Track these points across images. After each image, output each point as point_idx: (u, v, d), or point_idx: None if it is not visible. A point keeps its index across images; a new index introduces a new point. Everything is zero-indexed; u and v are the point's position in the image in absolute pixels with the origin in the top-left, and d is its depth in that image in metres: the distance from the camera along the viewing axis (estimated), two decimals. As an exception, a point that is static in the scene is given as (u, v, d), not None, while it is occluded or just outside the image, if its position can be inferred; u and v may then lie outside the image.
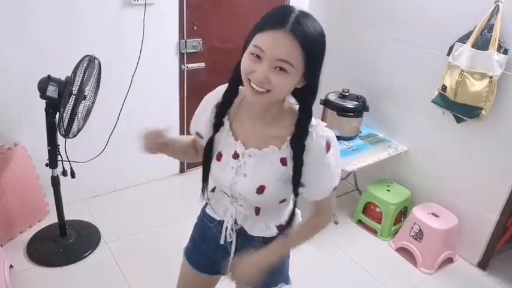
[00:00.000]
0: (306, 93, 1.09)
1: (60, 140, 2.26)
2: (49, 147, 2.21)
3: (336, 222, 2.94)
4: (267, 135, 1.14)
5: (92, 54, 2.12)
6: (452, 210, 2.64)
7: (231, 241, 1.32)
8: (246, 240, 1.30)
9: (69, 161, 2.35)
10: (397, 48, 2.81)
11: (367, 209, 2.90)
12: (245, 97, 1.16)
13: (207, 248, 1.39)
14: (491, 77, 2.21)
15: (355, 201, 3.04)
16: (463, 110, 2.37)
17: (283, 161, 1.13)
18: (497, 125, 2.35)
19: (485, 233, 2.54)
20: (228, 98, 1.17)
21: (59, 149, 2.26)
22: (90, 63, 2.06)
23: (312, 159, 1.11)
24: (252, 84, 1.01)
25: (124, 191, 3.06)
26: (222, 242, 1.33)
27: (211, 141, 1.21)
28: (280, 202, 1.23)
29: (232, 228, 1.30)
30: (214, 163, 1.22)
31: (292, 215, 1.30)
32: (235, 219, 1.28)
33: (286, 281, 1.44)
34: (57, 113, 2.08)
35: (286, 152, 1.12)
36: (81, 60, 2.08)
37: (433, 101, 2.52)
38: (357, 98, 2.87)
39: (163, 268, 2.39)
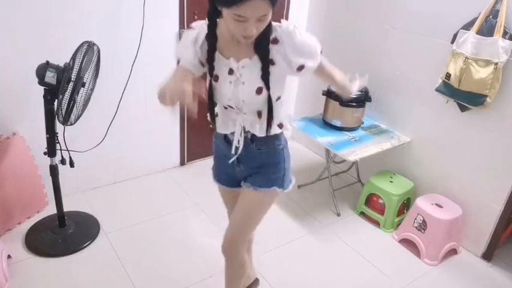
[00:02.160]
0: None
1: (59, 129, 2.23)
2: (47, 135, 2.19)
3: (338, 214, 2.91)
4: (250, 46, 1.34)
5: (90, 40, 2.09)
6: (456, 200, 2.61)
7: (239, 147, 1.52)
8: (246, 152, 1.52)
9: (68, 150, 2.32)
10: (399, 37, 2.78)
11: (370, 200, 2.86)
12: (222, 25, 1.35)
13: (224, 166, 1.62)
14: (496, 64, 2.18)
15: (358, 193, 3.02)
16: (468, 98, 2.34)
17: (272, 61, 1.36)
18: (502, 113, 2.32)
19: (489, 224, 2.51)
20: (212, 32, 1.35)
21: (57, 137, 2.23)
22: (89, 49, 2.03)
23: (293, 44, 1.34)
24: (244, 36, 1.25)
25: (123, 183, 3.03)
26: (233, 151, 1.52)
27: (211, 72, 1.41)
28: (277, 100, 1.44)
29: (241, 134, 1.49)
30: (212, 84, 1.42)
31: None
32: (244, 127, 1.48)
33: (281, 185, 1.60)
34: (56, 100, 2.05)
35: (272, 53, 1.34)
36: (80, 46, 2.05)
37: (436, 90, 2.49)
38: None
39: (162, 259, 2.37)
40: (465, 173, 2.57)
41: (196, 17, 2.85)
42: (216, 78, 1.41)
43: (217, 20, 1.34)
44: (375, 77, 2.98)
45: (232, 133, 1.52)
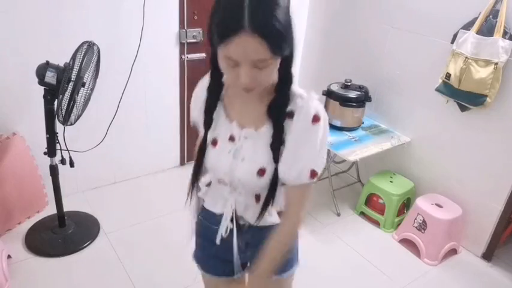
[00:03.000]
0: (284, 61, 1.00)
1: (59, 129, 2.23)
2: (47, 135, 2.19)
3: (338, 214, 2.91)
4: (259, 113, 1.07)
5: (90, 40, 2.09)
6: (456, 200, 2.61)
7: (232, 234, 1.22)
8: (255, 233, 1.22)
9: (68, 150, 2.32)
10: (399, 37, 2.78)
11: (370, 200, 2.86)
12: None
13: (216, 250, 1.28)
14: (496, 64, 2.18)
15: (358, 194, 3.02)
16: (468, 98, 2.34)
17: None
18: (502, 113, 2.32)
19: (489, 223, 2.51)
20: (213, 93, 1.11)
21: (57, 137, 2.23)
22: (89, 49, 2.03)
23: (297, 128, 1.03)
24: (241, 87, 0.97)
25: (123, 183, 3.03)
26: (218, 239, 1.24)
27: (205, 135, 1.15)
28: (282, 185, 1.13)
29: (232, 221, 1.20)
30: (209, 150, 1.15)
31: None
32: (235, 210, 1.19)
33: (297, 260, 1.38)
34: (56, 100, 2.05)
35: (285, 127, 1.05)
36: (80, 46, 2.05)
37: (436, 90, 2.49)
38: (360, 88, 2.84)
39: (162, 259, 2.37)
40: (465, 173, 2.57)
41: (196, 17, 2.85)
42: (215, 143, 1.14)
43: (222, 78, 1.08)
44: (375, 77, 2.98)
45: (221, 215, 1.22)
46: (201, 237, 1.35)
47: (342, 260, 2.52)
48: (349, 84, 2.85)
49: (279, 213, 1.21)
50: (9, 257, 2.22)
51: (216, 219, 1.24)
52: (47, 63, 2.03)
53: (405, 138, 2.85)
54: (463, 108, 2.46)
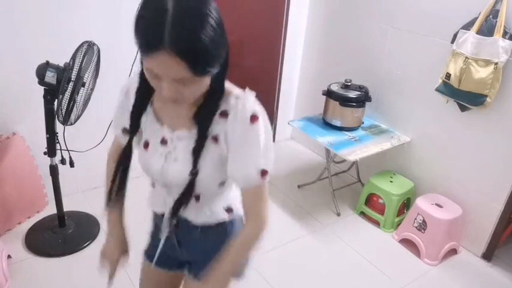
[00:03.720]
0: (217, 74, 0.96)
1: (59, 129, 2.23)
2: (47, 135, 2.18)
3: (338, 214, 2.91)
4: (191, 115, 1.03)
5: (90, 40, 2.09)
6: (456, 200, 2.61)
7: (171, 234, 1.24)
8: (187, 234, 1.22)
9: (68, 150, 2.32)
10: (399, 37, 2.78)
11: (370, 200, 2.87)
12: None
13: (158, 242, 1.29)
14: (496, 64, 2.18)
15: (358, 194, 3.02)
16: (468, 98, 2.34)
17: (215, 139, 1.03)
18: (502, 113, 2.32)
19: (489, 223, 2.51)
20: (143, 96, 1.07)
21: (57, 137, 2.23)
22: (89, 49, 2.03)
23: (235, 130, 1.00)
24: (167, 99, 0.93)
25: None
26: (162, 236, 1.23)
27: (131, 140, 1.12)
28: (220, 185, 1.12)
29: (170, 219, 1.18)
30: (141, 152, 1.13)
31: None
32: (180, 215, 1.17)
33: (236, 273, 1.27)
34: (56, 100, 2.05)
35: (217, 128, 1.02)
36: (80, 46, 2.05)
37: (436, 90, 2.49)
38: (360, 88, 2.84)
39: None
40: (465, 173, 2.57)
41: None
42: (146, 145, 1.12)
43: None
44: (375, 77, 2.98)
45: (163, 214, 1.21)
46: (152, 230, 1.41)
47: (342, 260, 2.52)
48: (349, 84, 2.85)
49: (228, 210, 1.19)
50: (9, 257, 2.22)
51: (158, 217, 1.27)
52: (47, 63, 2.03)
53: (405, 138, 2.85)
54: (463, 108, 2.46)
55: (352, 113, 2.82)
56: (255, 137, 1.00)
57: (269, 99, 3.71)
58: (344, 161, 2.99)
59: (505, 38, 2.16)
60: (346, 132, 2.85)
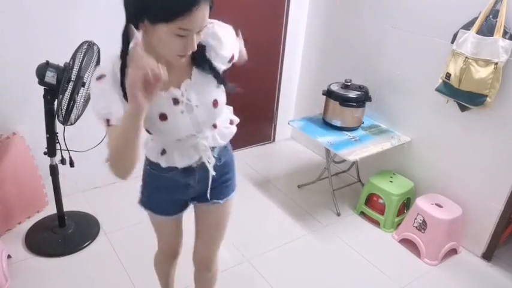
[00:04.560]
0: None
1: (59, 129, 2.23)
2: (47, 135, 2.19)
3: (338, 214, 2.91)
4: (185, 65, 1.21)
5: (90, 40, 2.09)
6: (456, 200, 2.61)
7: (187, 178, 1.41)
8: (204, 171, 1.40)
9: (68, 150, 2.32)
10: (399, 37, 2.78)
11: (370, 200, 2.86)
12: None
13: (171, 196, 1.47)
14: (496, 64, 2.18)
15: (358, 193, 3.02)
16: (468, 98, 2.34)
17: (214, 68, 1.25)
18: (502, 113, 2.32)
19: (489, 223, 2.51)
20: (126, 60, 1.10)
21: (57, 137, 2.23)
22: (89, 49, 2.03)
23: (215, 43, 1.23)
24: (183, 54, 1.08)
25: (123, 183, 2.98)
26: (193, 181, 1.41)
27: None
28: (226, 105, 1.36)
29: (210, 157, 1.37)
30: (160, 125, 1.21)
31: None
32: (207, 146, 1.35)
33: (235, 187, 1.58)
34: (56, 100, 2.05)
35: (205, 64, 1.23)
36: (80, 46, 2.05)
37: (436, 90, 2.49)
38: (360, 88, 2.84)
39: (164, 259, 2.37)
40: (465, 172, 2.57)
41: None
42: (164, 117, 1.20)
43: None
44: (375, 77, 2.98)
45: (197, 161, 1.37)
46: (156, 189, 1.48)
47: (342, 260, 2.52)
48: (349, 84, 2.85)
49: (231, 121, 1.45)
50: (9, 257, 2.22)
51: (186, 170, 1.38)
52: (47, 63, 2.03)
53: (405, 138, 2.85)
54: (463, 108, 2.46)
55: (352, 113, 2.82)
56: (221, 28, 1.28)
57: (269, 99, 3.71)
58: (344, 161, 2.99)
59: (505, 38, 2.16)
60: (346, 132, 2.85)
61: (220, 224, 1.59)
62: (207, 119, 1.28)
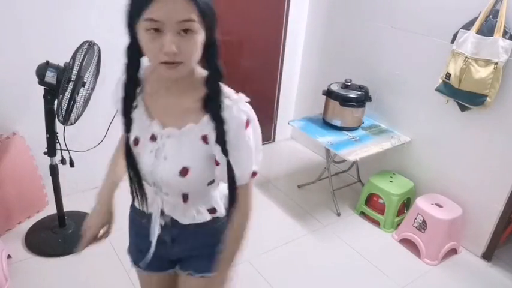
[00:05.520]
0: (209, 50, 0.98)
1: (59, 129, 2.23)
2: (47, 135, 2.18)
3: (338, 214, 2.91)
4: (182, 109, 1.03)
5: (91, 40, 2.09)
6: (456, 200, 2.61)
7: (162, 232, 1.22)
8: (181, 230, 1.21)
9: (68, 150, 2.32)
10: (399, 37, 2.78)
11: (370, 200, 2.86)
12: (151, 73, 1.07)
13: (147, 245, 1.23)
14: (496, 63, 2.18)
15: (358, 193, 3.02)
16: (468, 98, 2.34)
17: (205, 138, 1.03)
18: (502, 113, 2.32)
19: (489, 223, 2.51)
20: (130, 90, 1.06)
21: (57, 137, 2.23)
22: (89, 49, 2.03)
23: (229, 134, 1.01)
24: (164, 60, 0.91)
25: (123, 183, 3.01)
26: (153, 238, 1.20)
27: (127, 136, 1.10)
28: (209, 184, 1.12)
29: (161, 217, 1.19)
30: (133, 149, 1.11)
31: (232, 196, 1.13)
32: (163, 210, 1.18)
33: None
34: (56, 100, 2.05)
35: (207, 128, 1.02)
36: (80, 46, 2.05)
37: (437, 89, 2.49)
38: (360, 88, 2.84)
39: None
40: (465, 172, 2.57)
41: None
42: (137, 142, 1.09)
43: (141, 59, 1.02)
44: (375, 77, 2.98)
45: (150, 214, 1.20)
46: (133, 234, 1.35)
47: (342, 260, 2.52)
48: (349, 84, 2.85)
49: (210, 211, 1.20)
50: (9, 257, 2.22)
51: (146, 217, 1.22)
52: (47, 63, 2.03)
53: (405, 138, 2.85)
54: (463, 108, 2.46)
55: (352, 113, 2.82)
56: (248, 141, 1.03)
57: (269, 99, 3.71)
58: (344, 161, 2.99)
59: (505, 38, 2.16)
60: (346, 132, 2.85)
61: None
62: (168, 180, 1.08)
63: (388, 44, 2.85)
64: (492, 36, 2.18)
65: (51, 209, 2.57)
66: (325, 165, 3.04)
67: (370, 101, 2.87)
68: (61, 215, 2.45)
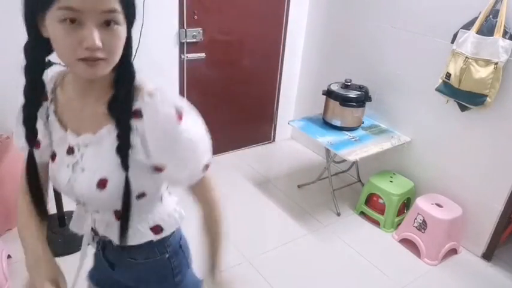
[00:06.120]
0: (125, 47, 0.86)
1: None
2: (47, 135, 2.18)
3: (338, 214, 2.91)
4: (99, 114, 0.88)
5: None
6: (456, 200, 2.61)
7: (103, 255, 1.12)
8: (120, 253, 1.07)
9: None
10: (399, 37, 2.78)
11: (370, 200, 2.86)
12: (64, 78, 0.96)
13: (98, 263, 1.17)
14: (496, 63, 2.18)
15: (358, 193, 3.02)
16: (468, 98, 2.34)
17: None
18: (502, 113, 2.32)
19: (489, 223, 2.51)
20: (32, 96, 0.91)
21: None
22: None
23: (161, 134, 0.86)
24: (84, 56, 0.77)
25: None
26: (81, 260, 1.09)
27: (31, 152, 0.95)
28: (138, 198, 0.95)
29: (93, 239, 1.09)
30: (50, 165, 0.98)
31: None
32: (96, 231, 1.05)
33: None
34: (56, 100, 2.05)
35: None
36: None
37: (437, 89, 2.49)
38: (360, 88, 2.84)
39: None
40: (465, 172, 2.57)
41: (196, 16, 2.85)
42: (53, 157, 0.96)
43: (48, 61, 0.90)
44: (375, 76, 2.98)
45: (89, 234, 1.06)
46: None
47: (342, 260, 2.52)
48: (349, 84, 2.85)
49: (154, 229, 1.04)
50: (9, 257, 2.22)
51: (81, 239, 1.08)
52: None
53: (405, 138, 2.85)
54: (463, 108, 2.46)
55: (352, 112, 2.82)
56: (188, 135, 0.88)
57: (269, 99, 3.71)
58: (344, 161, 2.99)
59: (505, 38, 2.16)
60: (346, 132, 2.85)
61: None
62: (85, 193, 0.92)
63: (388, 44, 2.85)
64: (492, 36, 2.18)
65: (51, 209, 2.56)
66: (325, 165, 3.04)
67: (370, 101, 2.87)
68: (61, 215, 2.45)
